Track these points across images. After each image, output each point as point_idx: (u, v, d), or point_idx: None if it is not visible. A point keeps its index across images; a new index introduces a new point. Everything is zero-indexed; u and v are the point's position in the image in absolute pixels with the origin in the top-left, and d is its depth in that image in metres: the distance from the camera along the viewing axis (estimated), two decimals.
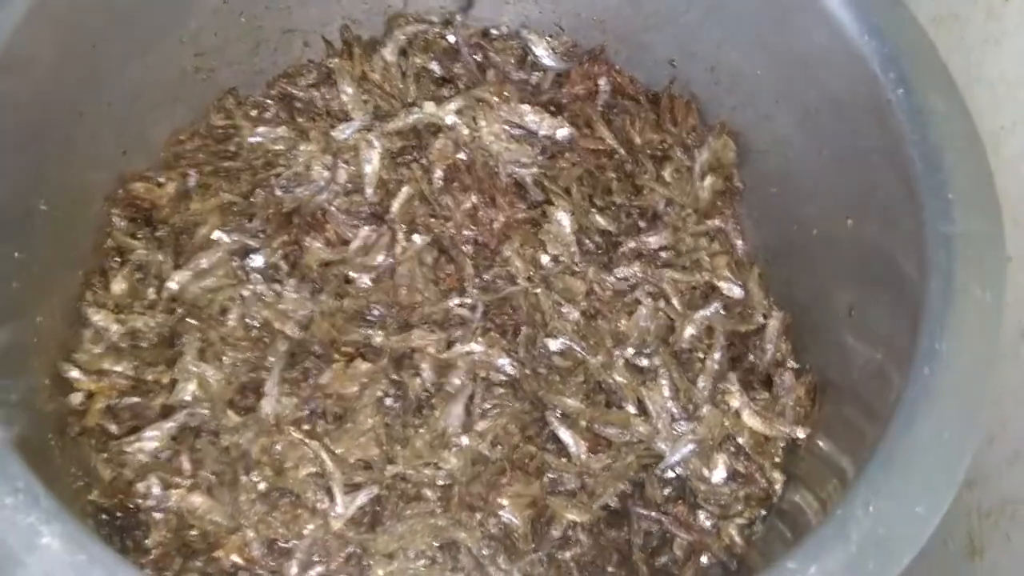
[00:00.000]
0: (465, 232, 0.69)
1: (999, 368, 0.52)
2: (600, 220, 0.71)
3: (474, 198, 0.70)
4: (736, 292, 0.69)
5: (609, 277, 0.68)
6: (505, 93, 0.73)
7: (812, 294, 0.67)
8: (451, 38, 0.78)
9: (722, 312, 0.68)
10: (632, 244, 0.70)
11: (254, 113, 0.74)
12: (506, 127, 0.72)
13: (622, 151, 0.74)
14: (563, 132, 0.72)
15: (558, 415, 0.64)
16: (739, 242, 0.73)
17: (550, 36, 0.78)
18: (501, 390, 0.65)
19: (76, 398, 0.61)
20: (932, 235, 0.52)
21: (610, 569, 0.61)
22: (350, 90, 0.73)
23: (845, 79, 0.59)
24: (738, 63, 0.68)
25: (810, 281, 0.67)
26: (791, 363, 0.67)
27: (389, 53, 0.75)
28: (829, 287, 0.64)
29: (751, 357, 0.68)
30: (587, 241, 0.70)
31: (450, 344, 0.65)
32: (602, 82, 0.76)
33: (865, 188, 0.59)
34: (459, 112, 0.72)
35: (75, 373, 0.61)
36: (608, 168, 0.74)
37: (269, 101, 0.75)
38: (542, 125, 0.72)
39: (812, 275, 0.67)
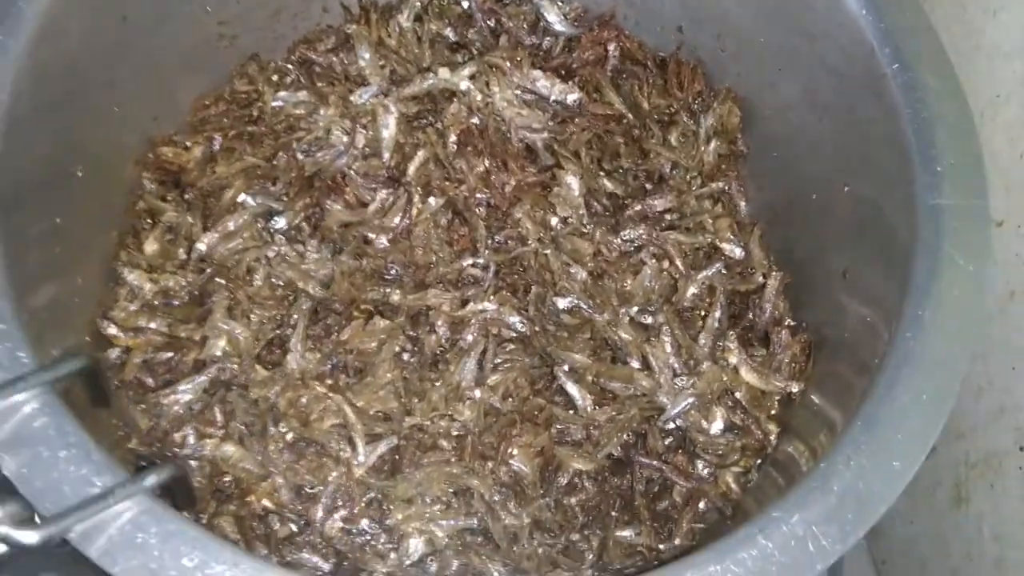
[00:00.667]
0: (478, 195, 0.72)
1: (987, 327, 0.55)
2: (607, 183, 0.74)
3: (487, 162, 0.72)
4: (737, 253, 0.73)
5: (615, 239, 0.71)
6: (517, 58, 0.75)
7: (810, 254, 0.70)
8: (465, 4, 0.79)
9: (723, 272, 0.72)
10: (638, 207, 0.72)
11: (275, 78, 0.77)
12: (518, 92, 0.74)
13: (630, 116, 0.76)
14: (573, 97, 0.75)
15: (566, 370, 0.68)
16: (742, 203, 0.76)
17: (561, 2, 0.79)
18: (512, 346, 0.69)
19: (114, 353, 0.65)
20: (922, 206, 0.55)
21: (613, 514, 0.66)
22: (367, 55, 0.76)
23: (844, 52, 0.61)
24: (743, 31, 0.70)
25: (808, 242, 0.70)
26: (788, 321, 0.70)
27: (405, 19, 0.78)
28: (826, 249, 0.67)
29: (750, 315, 0.71)
30: (595, 204, 0.73)
31: (464, 303, 0.69)
32: (611, 47, 0.78)
33: (861, 158, 0.62)
34: (472, 78, 0.74)
35: (113, 330, 0.64)
36: (616, 132, 0.76)
37: (290, 66, 0.78)
38: (553, 90, 0.75)
39: (810, 236, 0.70)
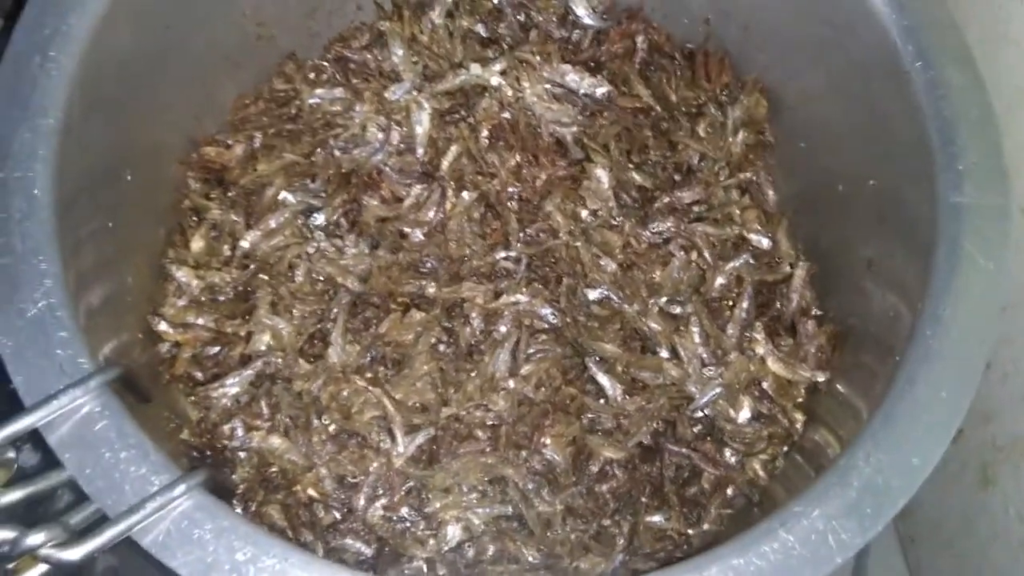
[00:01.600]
0: (509, 189, 0.74)
1: (1013, 312, 0.56)
2: (636, 176, 0.75)
3: (518, 156, 0.74)
4: (764, 244, 0.74)
5: (644, 231, 0.73)
6: (547, 53, 0.77)
7: (836, 244, 0.71)
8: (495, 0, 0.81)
9: (751, 262, 0.73)
10: (667, 199, 0.74)
11: (312, 76, 0.79)
12: (548, 87, 0.76)
13: (658, 108, 0.77)
14: (602, 90, 0.76)
15: (597, 360, 0.70)
16: (770, 193, 0.77)
17: None
18: (544, 337, 0.71)
19: (164, 347, 0.69)
20: (943, 204, 0.56)
21: (644, 500, 0.68)
22: (400, 52, 0.78)
23: (868, 47, 0.62)
24: (770, 24, 0.71)
25: (834, 232, 0.72)
26: (815, 311, 0.72)
27: (437, 15, 0.79)
28: (851, 241, 0.69)
29: (777, 305, 0.73)
30: (624, 196, 0.74)
31: (497, 295, 0.71)
32: (639, 40, 0.79)
33: (885, 152, 0.63)
34: (503, 73, 0.76)
35: (163, 326, 0.68)
36: (645, 125, 0.77)
37: (326, 64, 0.80)
38: (582, 84, 0.76)
39: (836, 228, 0.71)
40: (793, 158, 0.75)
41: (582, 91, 0.76)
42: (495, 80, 0.76)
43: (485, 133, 0.75)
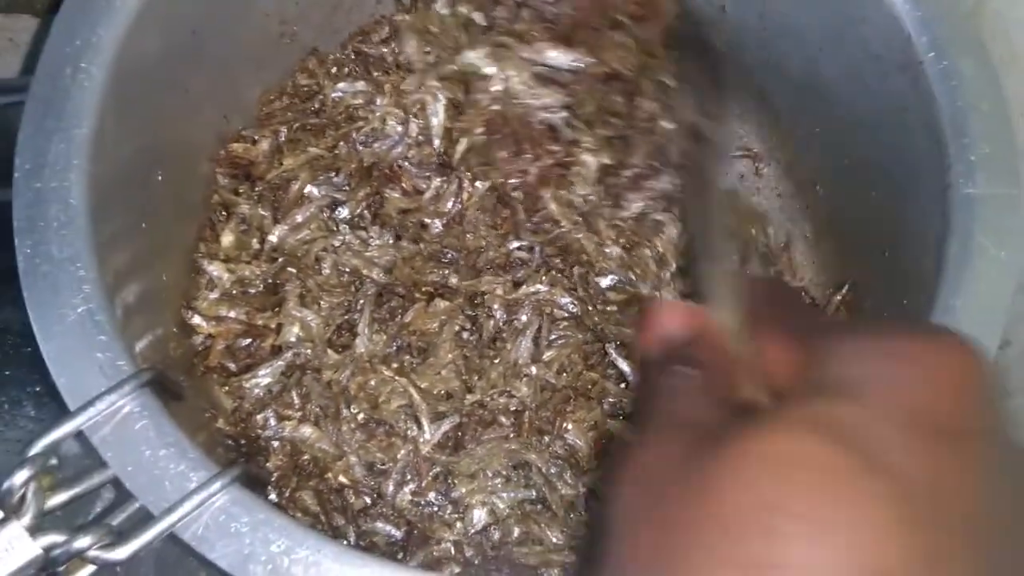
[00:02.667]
0: (511, 180, 0.75)
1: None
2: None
3: (509, 149, 0.75)
4: None
5: (623, 211, 0.74)
6: (530, 33, 0.74)
7: (852, 232, 0.73)
8: None
9: None
10: (626, 173, 0.73)
11: (334, 71, 0.80)
12: (531, 70, 0.74)
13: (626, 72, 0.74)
14: (581, 63, 0.73)
15: (616, 345, 0.72)
16: None
17: None
18: (565, 323, 0.73)
19: (198, 340, 0.71)
20: (955, 194, 0.57)
21: None
22: (412, 43, 0.79)
23: (883, 38, 0.62)
24: (787, 12, 0.71)
25: (851, 218, 0.73)
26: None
27: (440, 6, 0.80)
28: (867, 228, 0.69)
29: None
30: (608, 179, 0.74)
31: (516, 284, 0.73)
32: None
33: (899, 142, 0.63)
34: (489, 58, 0.74)
35: (197, 319, 0.70)
36: (616, 91, 0.74)
37: (347, 58, 0.81)
38: (562, 59, 0.73)
39: (852, 213, 0.72)
40: (811, 140, 0.76)
41: (564, 67, 0.74)
42: (489, 69, 0.75)
43: (480, 128, 0.75)
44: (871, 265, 0.68)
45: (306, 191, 0.75)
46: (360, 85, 0.79)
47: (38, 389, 0.71)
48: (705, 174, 0.62)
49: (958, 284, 0.55)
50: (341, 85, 0.79)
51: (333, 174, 0.76)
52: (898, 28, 0.61)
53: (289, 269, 0.73)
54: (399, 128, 0.77)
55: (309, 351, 0.70)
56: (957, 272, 0.55)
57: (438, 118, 0.76)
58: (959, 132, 0.58)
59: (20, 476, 0.47)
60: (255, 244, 0.75)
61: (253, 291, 0.73)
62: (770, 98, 0.79)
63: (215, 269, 0.72)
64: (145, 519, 0.48)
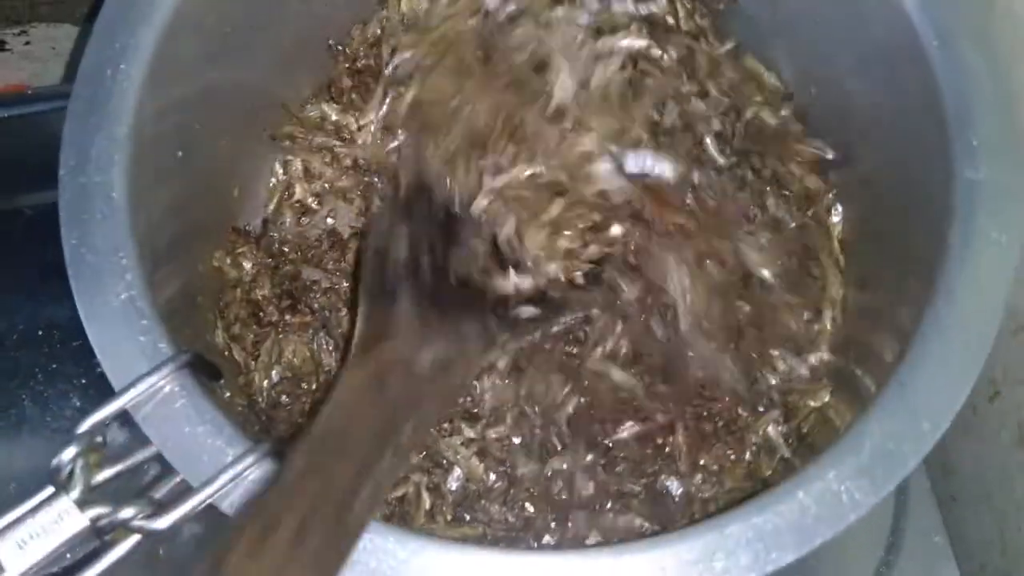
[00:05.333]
0: None
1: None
2: None
3: None
4: None
5: None
6: None
7: (858, 218, 0.75)
8: None
9: None
10: None
11: None
12: None
13: None
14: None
15: None
16: None
17: None
18: None
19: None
20: (958, 179, 0.59)
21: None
22: None
23: (890, 28, 0.64)
24: (797, 5, 0.73)
25: (857, 206, 0.75)
26: None
27: None
28: (872, 214, 0.71)
29: None
30: None
31: None
32: None
33: (905, 129, 0.65)
34: None
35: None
36: None
37: None
38: None
39: (859, 200, 0.75)
40: (819, 133, 0.78)
41: None
42: None
43: None
44: (876, 251, 0.69)
45: None
46: None
47: (84, 382, 0.75)
48: None
49: (958, 268, 0.57)
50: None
51: None
52: (903, 18, 0.63)
53: None
54: None
55: None
56: (958, 256, 0.57)
57: None
58: (963, 119, 0.59)
59: (68, 453, 0.51)
60: None
61: None
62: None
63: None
64: (185, 491, 0.52)
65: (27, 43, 1.00)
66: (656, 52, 0.74)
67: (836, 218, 0.76)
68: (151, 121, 0.62)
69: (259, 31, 0.74)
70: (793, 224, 0.76)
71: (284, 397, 0.73)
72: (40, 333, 0.79)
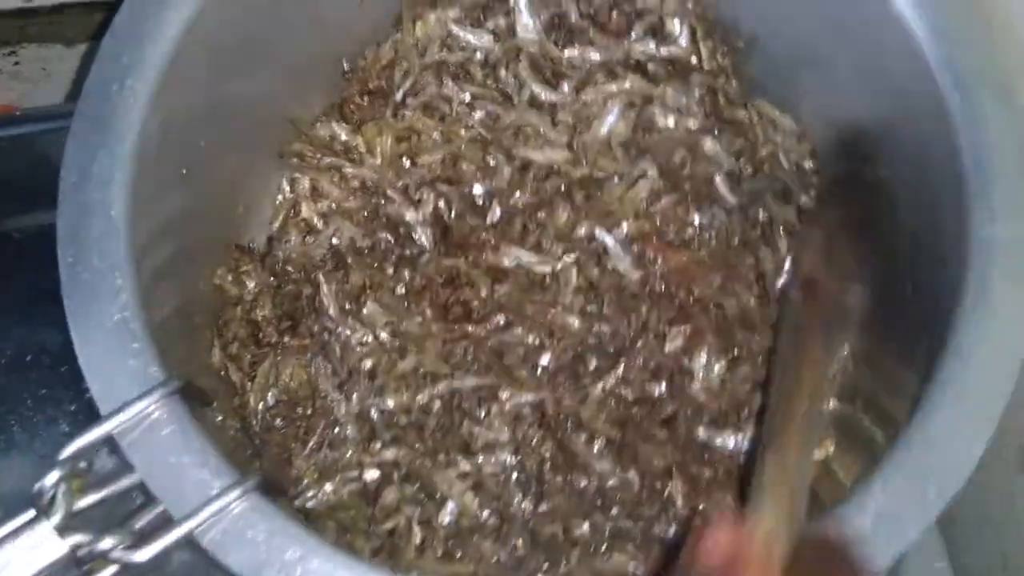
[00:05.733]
0: None
1: None
2: None
3: None
4: None
5: None
6: None
7: (876, 263, 0.73)
8: None
9: None
10: None
11: None
12: None
13: None
14: None
15: None
16: None
17: None
18: None
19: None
20: (975, 236, 0.57)
21: None
22: None
23: (909, 75, 0.63)
24: (815, 46, 0.72)
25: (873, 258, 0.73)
26: None
27: None
28: (889, 264, 0.70)
29: None
30: None
31: None
32: None
33: (923, 181, 0.64)
34: None
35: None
36: None
37: None
38: None
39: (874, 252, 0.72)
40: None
41: None
42: None
43: None
44: (887, 302, 0.68)
45: None
46: None
47: (73, 408, 0.75)
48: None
49: (972, 325, 0.55)
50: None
51: None
52: (923, 66, 0.61)
53: None
54: None
55: None
56: (971, 312, 0.55)
57: None
58: (981, 173, 0.58)
59: (51, 478, 0.50)
60: None
61: None
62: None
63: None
64: (167, 523, 0.50)
65: (16, 63, 0.99)
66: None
67: None
68: (156, 138, 0.62)
69: (271, 48, 0.73)
70: None
71: (279, 420, 0.72)
72: (29, 358, 0.78)
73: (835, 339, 0.63)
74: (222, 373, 0.72)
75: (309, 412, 0.72)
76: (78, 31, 0.95)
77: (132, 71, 0.61)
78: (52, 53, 0.97)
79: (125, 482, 0.52)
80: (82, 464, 0.51)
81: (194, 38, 0.64)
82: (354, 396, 0.72)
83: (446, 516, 0.69)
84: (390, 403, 0.71)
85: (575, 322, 0.71)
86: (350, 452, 0.71)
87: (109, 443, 0.52)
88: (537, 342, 0.71)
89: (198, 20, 0.64)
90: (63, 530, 0.50)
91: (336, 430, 0.71)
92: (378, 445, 0.70)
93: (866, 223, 0.67)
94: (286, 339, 0.74)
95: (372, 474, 0.70)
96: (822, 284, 0.64)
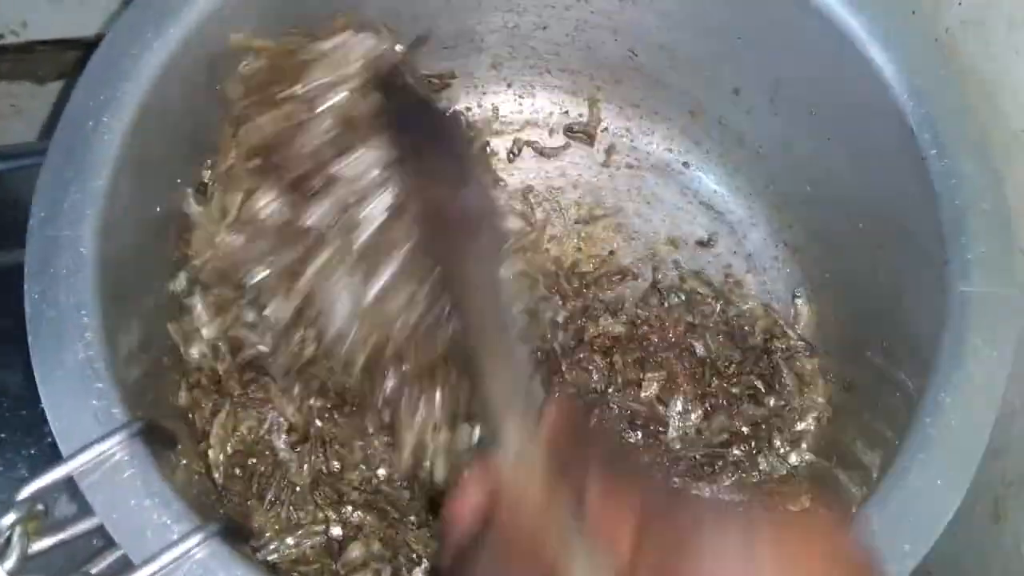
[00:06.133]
0: None
1: (1019, 349, 0.57)
2: None
3: None
4: None
5: None
6: None
7: (855, 315, 0.73)
8: None
9: None
10: None
11: None
12: None
13: None
14: None
15: None
16: None
17: None
18: None
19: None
20: (952, 292, 0.57)
21: None
22: None
23: (888, 132, 0.63)
24: (795, 100, 0.73)
25: (854, 302, 0.74)
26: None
27: None
28: (867, 316, 0.70)
29: None
30: None
31: None
32: None
33: (900, 235, 0.64)
34: None
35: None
36: None
37: None
38: None
39: (854, 298, 0.73)
40: (815, 234, 0.78)
41: None
42: None
43: None
44: (868, 358, 0.68)
45: None
46: None
47: (32, 452, 0.72)
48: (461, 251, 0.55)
49: (948, 382, 0.55)
50: None
51: None
52: (903, 125, 0.62)
53: None
54: None
55: None
56: (948, 370, 0.55)
57: None
58: (958, 230, 0.58)
59: (7, 519, 0.49)
60: None
61: None
62: (779, 183, 0.80)
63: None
64: (126, 567, 0.49)
65: None
66: None
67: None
68: (130, 175, 0.61)
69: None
70: None
71: (237, 470, 0.70)
72: None
73: (481, 246, 0.56)
74: (189, 415, 0.71)
75: (262, 469, 0.70)
76: (49, 69, 0.94)
77: (108, 107, 0.60)
78: (23, 90, 0.96)
79: (83, 526, 0.51)
80: (40, 507, 0.50)
81: (170, 78, 0.63)
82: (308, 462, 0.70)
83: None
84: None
85: None
86: (311, 509, 0.69)
87: (69, 485, 0.51)
88: None
89: (175, 61, 0.63)
90: (16, 574, 0.48)
91: (297, 489, 0.70)
92: (348, 508, 0.69)
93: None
94: (250, 390, 0.72)
95: (337, 530, 0.68)
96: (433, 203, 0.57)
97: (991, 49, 0.65)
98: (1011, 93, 0.64)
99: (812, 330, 0.78)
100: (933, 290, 0.59)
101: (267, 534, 0.67)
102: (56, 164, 0.59)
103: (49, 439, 0.52)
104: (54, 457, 0.51)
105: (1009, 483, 0.74)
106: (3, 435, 0.74)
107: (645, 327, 0.74)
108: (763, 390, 0.73)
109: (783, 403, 0.72)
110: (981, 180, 0.59)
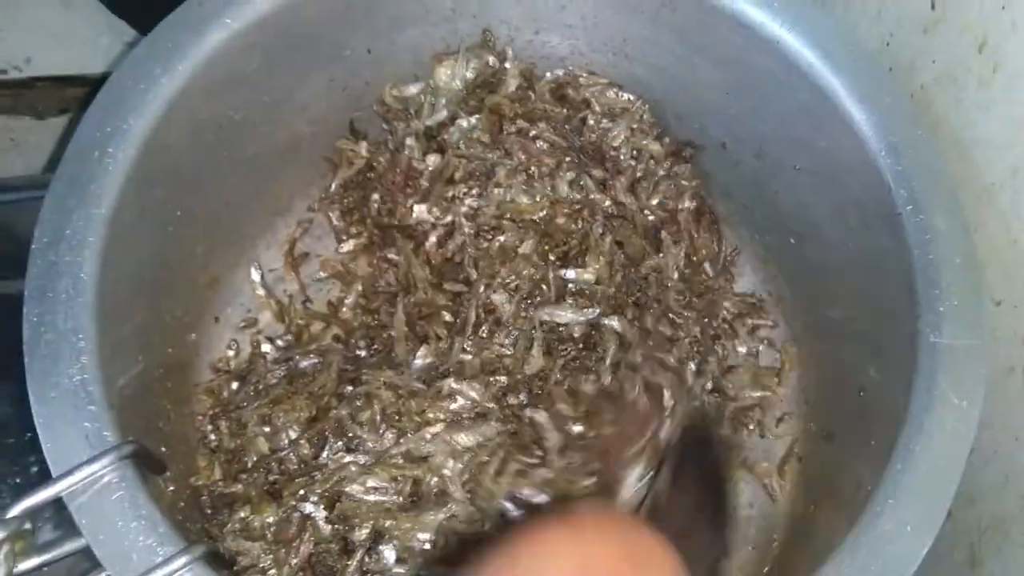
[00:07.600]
0: None
1: (991, 398, 0.58)
2: None
3: None
4: None
5: None
6: None
7: (830, 363, 0.75)
8: None
9: None
10: None
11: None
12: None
13: None
14: None
15: None
16: None
17: None
18: None
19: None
20: (923, 343, 0.59)
21: None
22: None
23: (866, 188, 0.66)
24: (780, 154, 0.75)
25: (830, 351, 0.75)
26: None
27: None
28: (846, 365, 0.72)
29: None
30: None
31: None
32: None
33: (876, 286, 0.66)
34: None
35: None
36: None
37: None
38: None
39: (830, 347, 0.75)
40: (795, 285, 0.80)
41: None
42: None
43: None
44: (844, 405, 0.69)
45: None
46: None
47: (18, 481, 0.73)
48: None
49: (919, 430, 0.56)
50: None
51: None
52: (880, 180, 0.64)
53: None
54: None
55: None
56: (919, 418, 0.57)
57: None
58: (931, 283, 0.60)
59: None
60: None
61: None
62: (761, 237, 0.82)
63: None
64: None
65: None
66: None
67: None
68: (133, 205, 0.63)
69: (255, 128, 0.75)
70: None
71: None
72: None
73: None
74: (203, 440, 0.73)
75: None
76: (49, 104, 0.96)
77: (114, 140, 0.62)
78: (21, 125, 0.98)
79: (69, 547, 0.52)
80: (27, 526, 0.51)
81: (178, 113, 0.66)
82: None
83: None
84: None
85: None
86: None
87: (55, 510, 0.52)
88: None
89: (182, 97, 0.66)
90: None
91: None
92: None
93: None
94: None
95: None
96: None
97: (963, 105, 0.67)
98: (981, 148, 0.66)
99: (794, 380, 0.80)
100: (906, 341, 0.60)
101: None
102: (60, 192, 0.60)
103: (35, 468, 0.53)
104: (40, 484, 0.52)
105: (984, 529, 0.75)
106: None
107: None
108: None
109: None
110: (953, 235, 0.61)
